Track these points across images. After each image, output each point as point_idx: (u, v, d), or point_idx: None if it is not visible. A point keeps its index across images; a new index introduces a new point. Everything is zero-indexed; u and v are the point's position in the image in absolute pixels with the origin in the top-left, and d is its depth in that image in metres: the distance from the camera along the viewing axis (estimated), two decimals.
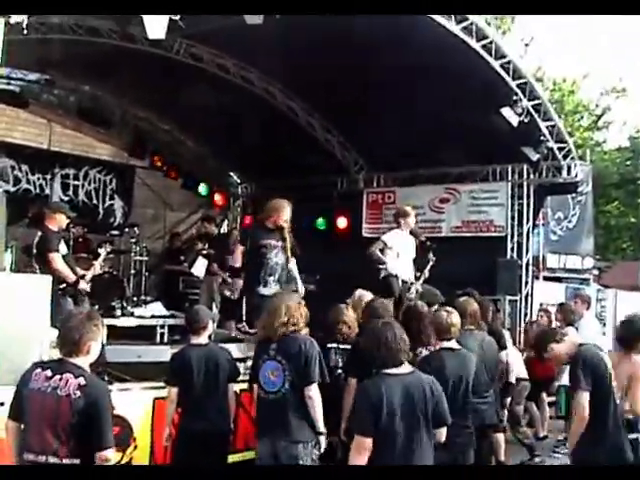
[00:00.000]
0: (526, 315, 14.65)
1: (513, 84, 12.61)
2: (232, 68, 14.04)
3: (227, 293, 13.12)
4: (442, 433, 5.74)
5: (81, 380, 4.91)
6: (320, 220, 16.75)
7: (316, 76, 12.85)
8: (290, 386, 6.37)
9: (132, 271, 14.72)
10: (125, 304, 13.02)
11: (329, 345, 7.64)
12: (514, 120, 12.61)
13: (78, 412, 4.83)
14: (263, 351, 6.54)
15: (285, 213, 9.74)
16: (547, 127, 13.56)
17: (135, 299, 14.05)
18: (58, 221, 9.93)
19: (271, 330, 6.51)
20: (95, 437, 4.89)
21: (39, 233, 9.88)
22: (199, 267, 13.68)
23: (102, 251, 10.82)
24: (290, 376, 6.38)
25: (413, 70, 11.80)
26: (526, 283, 14.93)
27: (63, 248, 10.02)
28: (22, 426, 5.06)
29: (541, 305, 14.04)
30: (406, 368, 5.66)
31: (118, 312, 12.38)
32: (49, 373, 4.96)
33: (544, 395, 11.61)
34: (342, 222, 16.86)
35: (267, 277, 9.55)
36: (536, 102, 13.13)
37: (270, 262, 9.54)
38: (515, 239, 14.91)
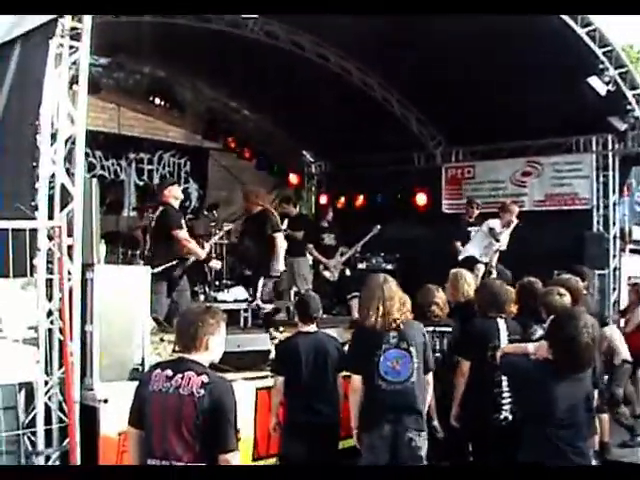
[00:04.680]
0: (614, 290, 14.29)
1: (599, 52, 12.15)
2: (307, 45, 13.78)
3: (326, 274, 13.05)
4: None
5: (204, 378, 4.61)
6: (398, 197, 16.43)
7: (392, 51, 12.57)
8: (417, 375, 6.25)
9: (213, 254, 14.56)
10: (208, 289, 12.93)
11: (427, 329, 7.49)
12: (602, 90, 12.20)
13: (203, 412, 4.53)
14: (380, 339, 6.27)
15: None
16: (634, 95, 13.10)
17: (217, 283, 13.89)
18: (175, 196, 9.82)
19: (388, 317, 6.26)
20: (219, 438, 4.57)
21: (160, 209, 9.74)
22: None
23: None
24: (417, 364, 6.25)
25: (494, 39, 11.44)
26: (614, 256, 14.55)
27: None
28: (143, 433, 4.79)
29: (629, 279, 13.64)
30: None
31: (202, 297, 12.32)
32: (169, 373, 4.68)
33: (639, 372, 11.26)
34: (421, 199, 16.46)
35: None
36: (622, 70, 12.65)
37: None
38: (601, 212, 14.54)
